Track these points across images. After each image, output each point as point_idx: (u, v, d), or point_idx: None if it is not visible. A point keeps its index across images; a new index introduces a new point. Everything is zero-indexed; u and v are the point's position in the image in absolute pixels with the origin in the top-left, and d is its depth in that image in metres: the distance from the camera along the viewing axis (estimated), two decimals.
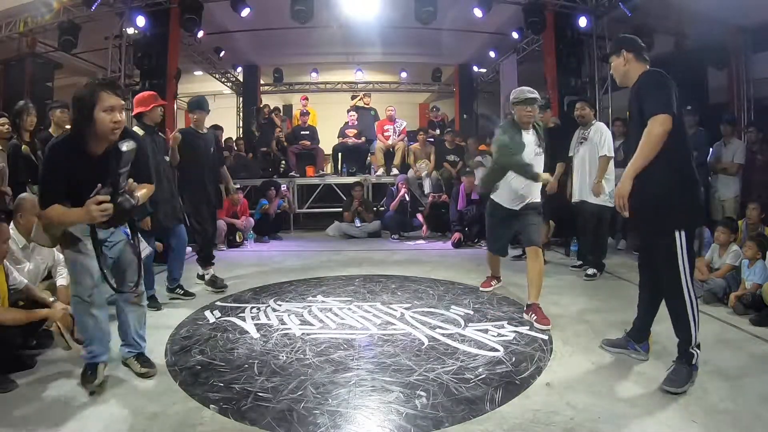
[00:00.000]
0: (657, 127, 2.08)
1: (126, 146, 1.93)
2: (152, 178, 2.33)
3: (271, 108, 9.25)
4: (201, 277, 4.07)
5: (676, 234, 2.14)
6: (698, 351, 2.16)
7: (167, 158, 3.64)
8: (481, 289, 3.83)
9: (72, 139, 2.05)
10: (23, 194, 2.96)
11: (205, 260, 4.02)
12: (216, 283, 3.95)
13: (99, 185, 1.97)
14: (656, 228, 2.22)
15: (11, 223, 2.73)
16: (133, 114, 3.47)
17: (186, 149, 3.85)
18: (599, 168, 4.20)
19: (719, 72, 6.77)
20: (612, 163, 4.24)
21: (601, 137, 4.24)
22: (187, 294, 3.68)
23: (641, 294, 2.54)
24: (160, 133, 3.66)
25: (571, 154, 4.52)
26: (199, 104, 3.96)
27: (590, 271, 4.28)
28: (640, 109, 2.18)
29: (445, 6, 6.97)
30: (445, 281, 4.16)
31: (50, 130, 4.15)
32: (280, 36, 8.77)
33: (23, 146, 3.74)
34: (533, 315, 3.02)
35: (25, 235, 2.72)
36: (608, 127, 4.61)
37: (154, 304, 3.37)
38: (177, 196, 3.64)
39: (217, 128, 6.62)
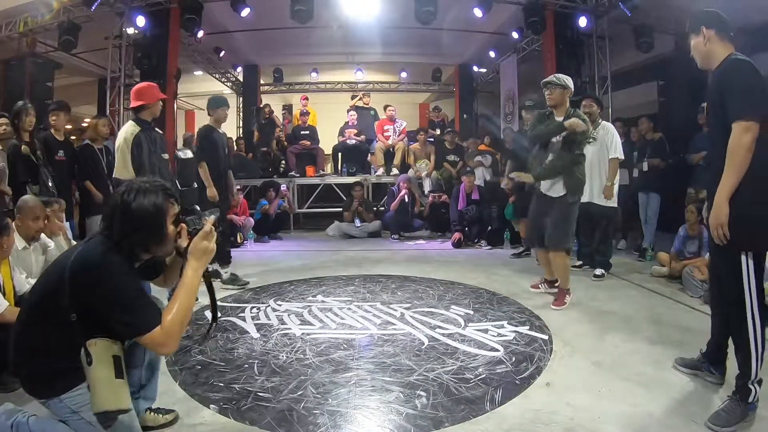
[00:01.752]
0: (745, 137, 1.78)
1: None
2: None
3: (274, 108, 9.25)
4: (216, 274, 4.04)
5: (743, 256, 1.85)
6: (758, 387, 1.86)
7: (165, 156, 3.52)
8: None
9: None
10: (25, 196, 2.95)
11: (223, 259, 4.03)
12: (237, 281, 3.99)
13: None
14: (724, 246, 1.88)
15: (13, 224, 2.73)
16: (132, 107, 3.32)
17: (208, 146, 3.92)
18: (610, 170, 4.18)
19: None
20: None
21: (611, 138, 4.22)
22: None
23: (714, 312, 2.23)
24: (157, 129, 3.53)
25: None
26: (218, 102, 4.05)
27: (598, 271, 4.28)
28: (723, 103, 1.87)
29: (445, 6, 6.97)
30: (445, 281, 4.15)
31: (52, 131, 4.16)
32: (280, 36, 8.77)
33: (23, 146, 3.74)
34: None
35: (25, 237, 2.72)
36: None
37: None
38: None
39: None
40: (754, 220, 1.83)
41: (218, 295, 3.67)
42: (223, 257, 4.01)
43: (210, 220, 1.58)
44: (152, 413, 1.88)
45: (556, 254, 3.45)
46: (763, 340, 1.86)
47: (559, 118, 3.37)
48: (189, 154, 3.27)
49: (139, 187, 1.52)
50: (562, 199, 3.40)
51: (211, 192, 3.90)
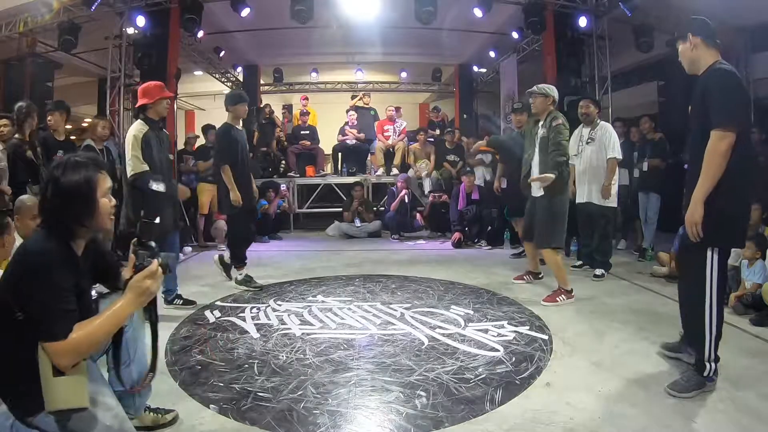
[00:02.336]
0: (720, 145, 1.92)
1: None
2: None
3: (273, 107, 9.24)
4: (225, 264, 4.04)
5: (709, 251, 2.02)
6: (714, 365, 2.07)
7: (171, 156, 3.48)
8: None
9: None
10: (22, 197, 2.95)
11: (239, 260, 3.99)
12: (251, 282, 3.99)
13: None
14: (695, 242, 2.04)
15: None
16: (137, 106, 3.29)
17: (228, 146, 3.80)
18: (609, 170, 4.20)
19: None
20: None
21: (609, 139, 4.23)
22: (188, 302, 3.47)
23: (680, 299, 2.38)
24: (165, 130, 3.46)
25: (574, 153, 4.50)
26: (237, 98, 3.93)
27: (598, 271, 4.28)
28: (705, 111, 2.00)
29: (445, 6, 6.96)
30: (445, 281, 4.15)
31: (50, 131, 4.16)
32: (280, 36, 8.76)
33: (26, 148, 3.74)
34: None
35: (24, 236, 2.72)
36: None
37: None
38: (177, 199, 3.41)
39: (211, 127, 6.62)
40: (722, 219, 1.99)
41: (229, 293, 3.72)
42: (238, 258, 4.00)
43: (158, 261, 1.50)
44: (152, 413, 1.87)
45: (544, 252, 3.64)
46: (719, 326, 2.06)
47: (543, 125, 3.62)
48: (162, 188, 3.15)
49: (68, 161, 1.48)
50: (542, 199, 3.56)
51: (235, 196, 3.72)
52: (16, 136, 3.80)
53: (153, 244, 1.56)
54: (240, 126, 3.98)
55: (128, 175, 3.15)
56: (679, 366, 2.37)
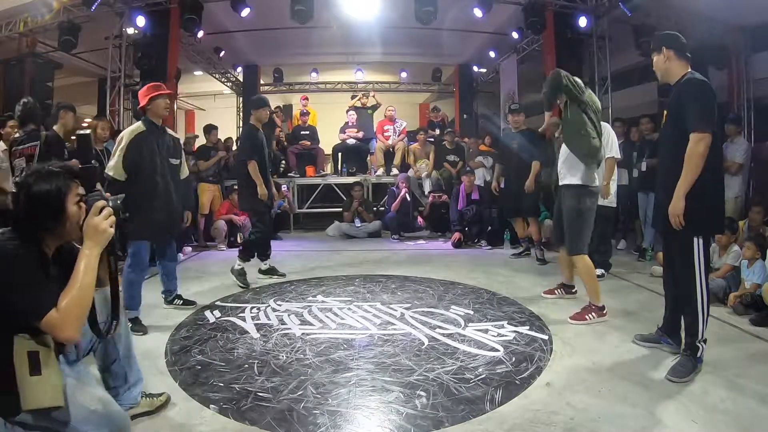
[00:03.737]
0: (699, 146, 2.17)
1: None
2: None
3: (272, 108, 9.24)
4: (240, 274, 4.13)
5: (695, 240, 2.26)
6: (704, 345, 2.28)
7: (173, 161, 3.23)
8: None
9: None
10: None
11: (262, 254, 4.33)
12: (275, 270, 4.37)
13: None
14: (678, 232, 2.27)
15: None
16: (139, 108, 3.25)
17: (253, 146, 4.07)
18: (607, 169, 4.19)
19: (719, 72, 6.77)
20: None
21: (608, 138, 4.23)
22: (187, 303, 3.44)
23: (667, 290, 2.62)
24: (171, 132, 3.32)
25: None
26: (260, 102, 4.24)
27: (598, 271, 4.25)
28: (680, 116, 2.26)
29: (445, 6, 6.97)
30: (445, 281, 4.15)
31: (55, 128, 4.14)
32: (280, 36, 8.77)
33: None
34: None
35: None
36: None
37: (138, 327, 2.91)
38: (178, 205, 3.24)
39: (212, 128, 6.63)
40: (704, 210, 2.24)
41: (229, 293, 3.73)
42: (261, 251, 4.31)
43: (107, 204, 1.52)
44: (147, 398, 1.97)
45: (575, 259, 3.21)
46: (708, 308, 2.28)
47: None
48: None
49: (40, 170, 1.49)
50: (568, 189, 3.22)
51: (262, 191, 4.05)
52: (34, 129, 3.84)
53: (99, 188, 1.61)
54: (260, 129, 4.24)
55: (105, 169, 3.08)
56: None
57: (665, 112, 2.45)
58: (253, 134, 4.16)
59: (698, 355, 2.27)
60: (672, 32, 2.43)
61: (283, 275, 4.34)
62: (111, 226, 1.49)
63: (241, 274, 4.05)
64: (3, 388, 1.36)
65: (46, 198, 1.44)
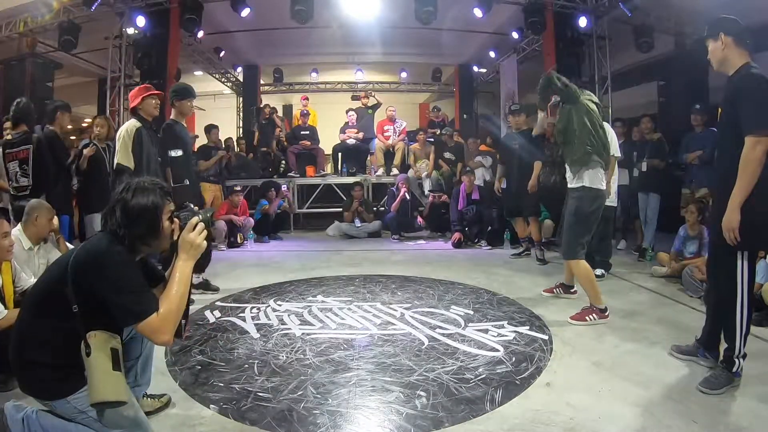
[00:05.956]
0: (755, 149, 1.93)
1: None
2: None
3: (271, 108, 9.25)
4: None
5: (739, 255, 2.07)
6: (742, 361, 2.14)
7: (177, 153, 3.54)
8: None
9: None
10: (33, 200, 2.95)
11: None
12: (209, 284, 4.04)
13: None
14: (725, 243, 2.06)
15: (18, 225, 2.75)
16: (130, 108, 3.55)
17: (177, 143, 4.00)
18: (608, 169, 4.20)
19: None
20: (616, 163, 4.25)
21: (608, 138, 4.23)
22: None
23: (708, 301, 2.50)
24: (172, 126, 3.60)
25: None
26: (182, 92, 3.90)
27: (598, 271, 4.27)
28: (735, 113, 2.02)
29: (445, 6, 6.98)
30: (445, 281, 4.15)
31: (52, 128, 4.14)
32: (280, 36, 8.78)
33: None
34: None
35: (32, 238, 2.73)
36: None
37: None
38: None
39: (212, 127, 6.63)
40: (752, 224, 1.99)
41: (229, 293, 3.74)
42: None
43: (199, 218, 1.65)
44: (149, 399, 1.98)
45: (570, 264, 3.22)
46: (749, 324, 2.13)
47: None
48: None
49: (138, 186, 1.60)
50: (572, 191, 3.22)
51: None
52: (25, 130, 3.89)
53: (191, 205, 1.72)
54: (185, 122, 3.85)
55: (115, 163, 3.40)
56: (680, 367, 2.37)
57: (719, 109, 2.20)
58: (176, 130, 3.65)
59: (734, 369, 2.12)
60: (730, 16, 2.15)
61: (216, 290, 3.83)
62: (204, 240, 1.64)
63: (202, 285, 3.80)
64: (55, 376, 1.49)
65: (143, 212, 1.57)
